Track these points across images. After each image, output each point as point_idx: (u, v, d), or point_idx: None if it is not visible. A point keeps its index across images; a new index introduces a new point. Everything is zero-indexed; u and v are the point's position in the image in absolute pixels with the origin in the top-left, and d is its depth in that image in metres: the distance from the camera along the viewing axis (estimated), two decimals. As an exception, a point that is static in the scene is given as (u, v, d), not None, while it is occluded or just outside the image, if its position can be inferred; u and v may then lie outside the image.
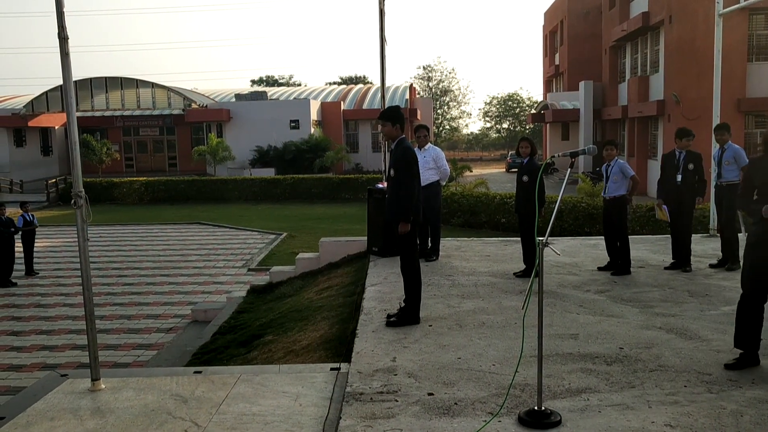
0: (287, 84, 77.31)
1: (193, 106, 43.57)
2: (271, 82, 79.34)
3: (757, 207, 4.60)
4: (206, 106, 43.69)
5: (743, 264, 4.93)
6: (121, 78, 44.98)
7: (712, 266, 8.31)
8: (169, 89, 44.93)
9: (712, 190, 9.40)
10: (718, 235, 9.18)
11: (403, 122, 6.12)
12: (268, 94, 46.86)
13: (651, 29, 27.80)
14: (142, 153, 46.20)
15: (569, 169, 4.19)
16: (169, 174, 40.11)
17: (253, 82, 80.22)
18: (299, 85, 72.71)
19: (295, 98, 45.57)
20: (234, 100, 44.11)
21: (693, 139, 8.15)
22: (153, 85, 44.91)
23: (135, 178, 33.13)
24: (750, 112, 24.22)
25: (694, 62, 23.23)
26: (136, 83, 44.96)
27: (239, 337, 7.89)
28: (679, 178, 8.11)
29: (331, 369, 5.22)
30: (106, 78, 44.86)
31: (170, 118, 44.49)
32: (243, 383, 4.93)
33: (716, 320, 6.00)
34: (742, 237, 8.51)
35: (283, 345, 6.79)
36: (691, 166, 8.06)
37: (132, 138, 45.89)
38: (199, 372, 5.32)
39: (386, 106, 6.27)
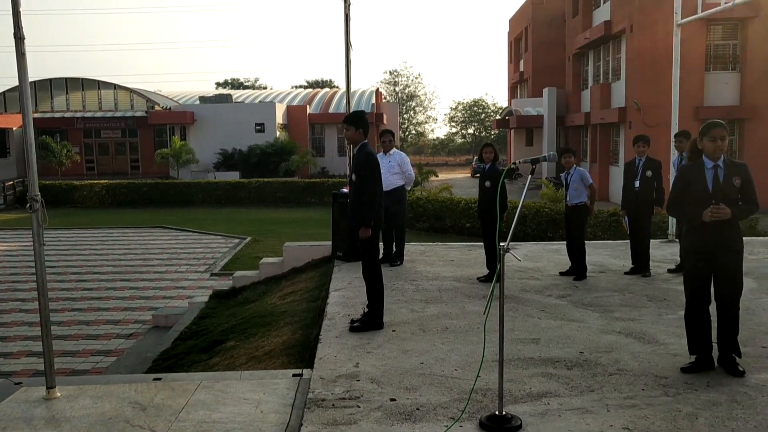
0: (253, 87, 76.80)
1: (157, 108, 43.03)
2: (236, 85, 78.75)
3: (696, 212, 4.70)
4: (170, 108, 43.17)
5: (684, 272, 5.03)
6: (82, 79, 44.26)
7: (670, 271, 8.47)
8: (131, 91, 44.33)
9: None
10: (677, 240, 9.38)
11: (366, 127, 6.12)
12: (233, 97, 46.48)
13: (613, 38, 28.28)
14: (104, 155, 45.44)
15: (530, 176, 4.23)
16: (132, 177, 39.48)
17: (218, 84, 79.60)
18: (265, 88, 72.27)
19: (260, 101, 45.25)
20: (198, 102, 43.65)
21: (646, 144, 8.28)
22: (115, 86, 44.27)
23: (96, 181, 32.51)
24: (707, 120, 24.75)
25: (654, 71, 23.69)
26: (98, 84, 44.29)
27: (201, 343, 7.79)
28: (636, 184, 8.26)
29: (294, 375, 5.19)
30: (66, 79, 44.10)
31: (133, 120, 43.87)
32: (203, 390, 4.87)
33: (674, 324, 6.10)
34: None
35: (245, 351, 6.73)
36: (649, 173, 8.21)
37: (93, 140, 45.10)
38: (159, 379, 5.25)
39: (357, 110, 6.27)
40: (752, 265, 8.45)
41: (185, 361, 7.28)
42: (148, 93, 45.69)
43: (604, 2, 29.62)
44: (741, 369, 4.75)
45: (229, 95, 46.60)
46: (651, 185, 8.23)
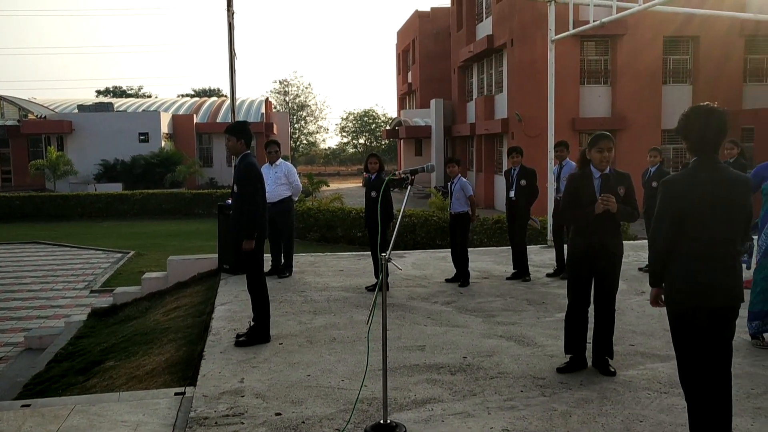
0: (136, 95, 74.05)
1: (30, 117, 40.59)
2: (118, 93, 75.69)
3: (589, 210, 4.95)
4: (45, 117, 40.83)
5: (568, 275, 5.29)
6: (-55, 85, 41.14)
7: (548, 275, 8.86)
8: (1, 98, 41.60)
9: (551, 204, 10.03)
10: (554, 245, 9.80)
11: (248, 137, 6.03)
12: (115, 106, 44.59)
13: (495, 51, 29.36)
14: (-29, 167, 42.34)
15: (410, 186, 4.31)
16: (3, 190, 36.95)
17: (99, 92, 76.18)
18: (149, 96, 69.85)
19: (144, 110, 43.69)
20: (77, 111, 41.56)
21: (519, 155, 8.65)
22: (-17, 93, 41.42)
23: (-38, 195, 30.25)
24: (583, 130, 26.19)
25: (533, 83, 24.77)
26: (-37, 91, 41.26)
27: (77, 365, 7.38)
28: (512, 194, 8.63)
29: (176, 394, 5.01)
30: (-74, 84, 40.84)
31: (3, 129, 41.10)
32: (77, 414, 4.61)
33: (551, 326, 6.39)
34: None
35: (125, 371, 6.44)
36: (523, 182, 8.57)
37: (-42, 150, 41.95)
38: (28, 405, 4.92)
39: (239, 120, 6.15)
40: (623, 268, 8.96)
41: (60, 384, 6.88)
42: (21, 101, 43.05)
43: (487, 17, 30.74)
44: (612, 370, 5.03)
45: (111, 104, 44.66)
46: (526, 193, 8.60)
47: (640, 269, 9.15)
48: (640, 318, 6.72)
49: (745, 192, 3.49)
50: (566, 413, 4.32)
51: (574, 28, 10.80)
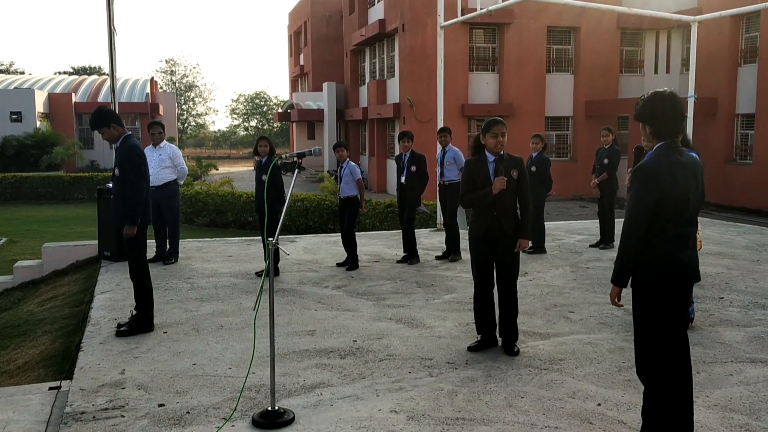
0: (7, 72, 69.12)
1: None
2: (-14, 68, 70.38)
3: (484, 192, 5.07)
4: None
5: (471, 258, 5.37)
6: None
7: (438, 258, 9.05)
8: None
9: (437, 188, 10.21)
10: (443, 229, 10.02)
11: (117, 119, 5.74)
12: (-17, 82, 41.53)
13: (387, 36, 29.51)
14: None
15: (297, 170, 4.24)
16: None
17: (-35, 67, 70.56)
18: (22, 73, 65.45)
19: (16, 87, 40.90)
20: (-61, 87, 38.37)
21: (410, 140, 8.74)
22: None
23: None
24: (472, 116, 26.86)
25: (424, 69, 25.13)
26: None
27: (-61, 361, 6.83)
28: (402, 179, 8.74)
29: (50, 388, 4.75)
30: None
31: None
32: (-63, 416, 4.27)
33: (439, 308, 6.53)
34: (463, 232, 9.39)
35: (-6, 366, 6.02)
36: (413, 168, 8.68)
37: None
38: None
39: (96, 110, 5.71)
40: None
41: None
42: None
43: (378, 1, 30.82)
44: (516, 349, 5.17)
45: (-22, 80, 41.55)
46: (416, 179, 8.71)
47: (525, 251, 9.48)
48: (523, 298, 6.92)
49: (703, 174, 3.57)
50: (452, 392, 4.42)
51: (462, 15, 10.99)
